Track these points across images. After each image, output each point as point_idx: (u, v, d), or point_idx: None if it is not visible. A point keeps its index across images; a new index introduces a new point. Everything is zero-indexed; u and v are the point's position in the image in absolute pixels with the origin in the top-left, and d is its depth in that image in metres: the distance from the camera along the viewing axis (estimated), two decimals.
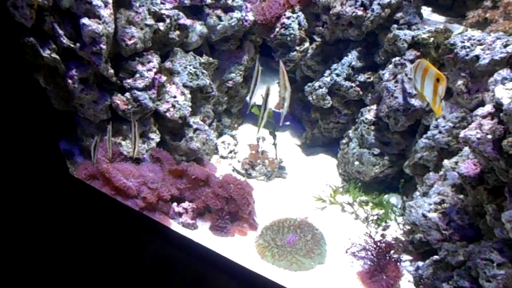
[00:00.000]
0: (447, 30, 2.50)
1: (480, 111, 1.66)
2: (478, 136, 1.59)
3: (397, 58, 2.57)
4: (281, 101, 1.85)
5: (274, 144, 2.96)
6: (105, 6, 2.17)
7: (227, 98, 3.26)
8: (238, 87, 3.28)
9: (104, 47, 2.19)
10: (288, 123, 3.67)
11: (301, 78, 3.46)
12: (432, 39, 2.45)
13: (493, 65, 2.06)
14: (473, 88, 2.18)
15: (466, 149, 1.99)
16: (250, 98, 1.89)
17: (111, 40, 2.28)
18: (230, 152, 3.14)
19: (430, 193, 2.14)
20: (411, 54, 2.52)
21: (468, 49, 2.16)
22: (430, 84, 1.99)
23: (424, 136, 2.34)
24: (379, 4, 2.66)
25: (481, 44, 2.16)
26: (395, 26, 2.67)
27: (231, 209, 2.45)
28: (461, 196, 1.99)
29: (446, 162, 2.07)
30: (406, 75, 2.47)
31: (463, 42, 2.19)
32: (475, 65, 2.13)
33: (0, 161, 1.78)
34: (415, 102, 2.43)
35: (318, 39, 3.14)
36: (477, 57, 2.12)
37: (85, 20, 2.14)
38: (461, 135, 1.66)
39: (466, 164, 1.78)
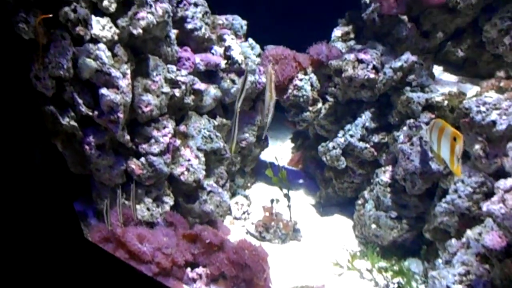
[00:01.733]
0: (461, 93, 2.52)
1: (502, 183, 1.62)
2: (502, 211, 1.54)
3: (412, 120, 2.57)
4: (266, 109, 1.73)
5: (289, 206, 2.92)
6: (124, 76, 2.22)
7: (240, 158, 3.26)
8: (251, 146, 3.29)
9: (121, 116, 2.23)
10: (301, 181, 3.64)
11: (313, 135, 3.47)
12: (446, 102, 2.46)
13: (511, 130, 2.04)
14: (491, 152, 2.15)
15: (490, 220, 1.93)
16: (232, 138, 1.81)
17: (128, 108, 2.32)
18: (244, 213, 3.10)
19: (454, 262, 2.05)
20: (425, 116, 2.52)
21: (484, 114, 2.15)
22: (446, 143, 1.97)
23: (443, 200, 2.29)
24: (391, 67, 2.70)
25: (497, 109, 2.15)
26: (408, 88, 2.69)
27: (246, 276, 2.37)
28: (487, 267, 1.91)
29: (469, 232, 2.01)
30: (422, 138, 2.45)
31: (478, 106, 2.19)
32: (492, 130, 2.12)
33: (18, 219, 1.78)
34: (431, 165, 2.40)
35: (331, 99, 3.18)
36: (494, 122, 2.11)
37: (104, 91, 2.19)
38: (484, 208, 1.61)
39: (490, 236, 1.72)
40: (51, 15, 2.00)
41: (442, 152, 2.00)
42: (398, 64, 2.68)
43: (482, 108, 2.17)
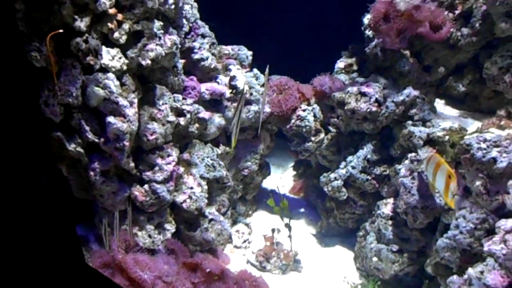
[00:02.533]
0: (462, 129, 2.55)
1: (504, 224, 1.63)
2: (504, 252, 1.55)
3: (413, 154, 2.59)
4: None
5: (289, 236, 2.91)
6: (131, 105, 2.27)
7: (242, 186, 3.27)
8: (254, 174, 3.30)
9: (127, 144, 2.26)
10: (302, 209, 3.64)
11: (315, 164, 3.49)
12: (447, 137, 2.49)
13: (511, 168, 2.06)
14: (492, 189, 2.16)
15: (492, 258, 1.93)
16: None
17: (134, 136, 2.35)
18: (244, 241, 3.09)
19: None
20: (427, 151, 2.54)
21: (484, 151, 2.17)
22: (441, 179, 2.02)
23: (445, 235, 2.29)
24: (393, 101, 2.74)
25: (497, 146, 2.17)
26: (410, 122, 2.72)
27: None
28: None
29: (470, 271, 2.00)
30: (423, 171, 2.47)
31: (479, 143, 2.21)
32: (493, 167, 2.13)
33: (20, 241, 1.79)
34: (433, 199, 2.41)
35: (333, 130, 3.21)
36: (494, 160, 2.13)
37: (111, 119, 2.23)
38: (486, 248, 1.62)
39: (492, 275, 1.72)
40: (61, 31, 2.03)
41: (437, 184, 2.06)
42: (400, 98, 2.73)
43: (483, 145, 2.20)
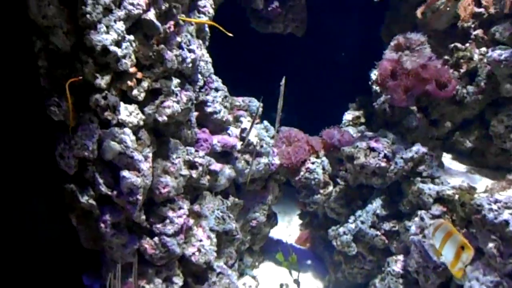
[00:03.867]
0: (471, 188, 2.56)
1: None
2: None
3: (423, 212, 2.59)
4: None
5: None
6: (145, 160, 2.29)
7: (249, 237, 3.25)
8: (261, 225, 3.29)
9: (140, 198, 2.27)
10: (309, 261, 3.59)
11: (322, 215, 3.48)
12: (457, 196, 2.50)
13: None
14: (505, 252, 2.15)
15: None
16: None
17: (147, 189, 2.37)
18: None
19: None
20: (437, 209, 2.55)
21: (496, 213, 2.18)
22: (452, 248, 1.90)
23: None
24: (402, 158, 2.77)
25: (508, 208, 2.18)
26: (419, 179, 2.74)
27: None
28: None
29: None
30: (427, 236, 2.45)
31: (490, 204, 2.22)
32: (505, 230, 2.13)
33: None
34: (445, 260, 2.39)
35: (342, 183, 3.22)
36: (507, 222, 2.13)
37: (125, 173, 2.25)
38: None
39: None
40: (80, 78, 2.08)
41: (444, 252, 1.95)
42: (409, 155, 2.76)
43: (494, 206, 2.20)
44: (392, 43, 3.09)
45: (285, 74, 2.21)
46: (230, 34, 2.31)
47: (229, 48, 3.37)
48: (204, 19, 2.83)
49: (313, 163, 3.14)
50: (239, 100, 3.33)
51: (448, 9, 3.10)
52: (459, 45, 3.20)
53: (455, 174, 2.99)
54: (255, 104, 3.33)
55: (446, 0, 3.13)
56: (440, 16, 3.23)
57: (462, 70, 3.17)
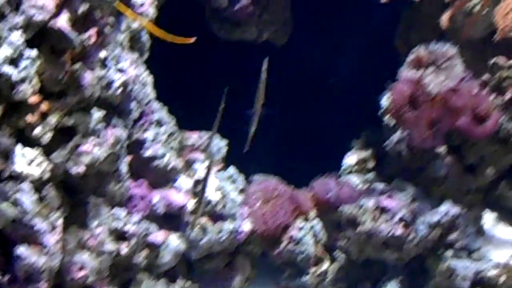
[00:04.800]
0: None
1: None
2: None
3: None
4: None
5: None
6: (52, 230, 2.29)
7: None
8: None
9: (44, 286, 2.26)
10: None
11: None
12: (503, 278, 2.57)
13: None
14: None
15: None
16: None
17: (55, 273, 2.35)
18: None
19: None
20: None
21: None
22: None
23: None
24: (425, 222, 2.84)
25: None
26: (450, 253, 2.81)
27: None
28: None
29: None
30: None
31: None
32: None
33: None
34: None
35: (342, 257, 3.26)
36: None
37: (22, 250, 2.23)
38: None
39: None
40: None
41: None
42: (435, 218, 2.83)
43: None
44: (410, 57, 3.19)
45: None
46: (192, 40, 2.30)
47: (179, 63, 3.45)
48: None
49: (300, 229, 3.17)
50: (194, 137, 3.36)
51: (484, 12, 3.25)
52: (501, 61, 3.32)
53: (502, 244, 3.07)
54: (216, 142, 3.36)
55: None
56: (476, 21, 3.38)
57: (507, 97, 3.29)
